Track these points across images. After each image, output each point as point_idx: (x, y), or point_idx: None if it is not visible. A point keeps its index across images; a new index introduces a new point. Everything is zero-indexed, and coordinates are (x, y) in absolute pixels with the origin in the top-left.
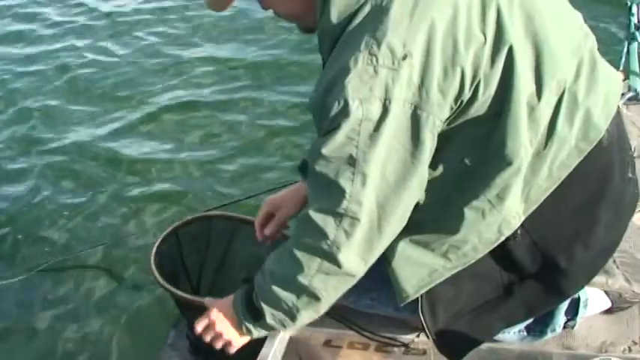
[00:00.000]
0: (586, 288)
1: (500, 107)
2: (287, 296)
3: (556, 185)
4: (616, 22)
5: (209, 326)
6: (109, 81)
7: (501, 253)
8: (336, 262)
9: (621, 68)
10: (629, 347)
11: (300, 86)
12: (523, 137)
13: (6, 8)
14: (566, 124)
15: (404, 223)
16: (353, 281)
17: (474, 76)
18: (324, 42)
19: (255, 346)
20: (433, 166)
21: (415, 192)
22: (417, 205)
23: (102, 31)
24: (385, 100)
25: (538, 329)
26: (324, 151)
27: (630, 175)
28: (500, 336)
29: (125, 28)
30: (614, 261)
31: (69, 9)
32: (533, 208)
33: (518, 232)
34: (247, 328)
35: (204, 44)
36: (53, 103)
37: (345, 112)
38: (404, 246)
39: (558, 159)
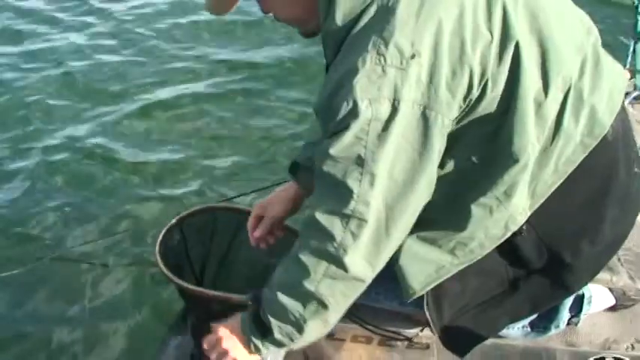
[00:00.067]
0: (590, 285)
1: (507, 104)
2: (293, 305)
3: (562, 180)
4: (621, 22)
5: (216, 344)
6: (107, 78)
7: (507, 249)
8: (342, 265)
9: (627, 67)
10: (632, 345)
11: (299, 85)
12: (530, 134)
13: (4, 4)
14: (572, 120)
15: (411, 226)
16: (361, 288)
17: (482, 75)
18: (329, 45)
19: None
20: (440, 164)
21: (424, 193)
22: None
23: (101, 28)
24: (394, 99)
25: (542, 325)
26: (332, 151)
27: (636, 170)
28: (504, 332)
29: (125, 26)
30: (619, 259)
31: (68, 6)
32: (539, 203)
33: (524, 227)
34: (255, 345)
35: (204, 42)
36: (51, 99)
37: (354, 112)
38: (411, 243)
39: (564, 155)
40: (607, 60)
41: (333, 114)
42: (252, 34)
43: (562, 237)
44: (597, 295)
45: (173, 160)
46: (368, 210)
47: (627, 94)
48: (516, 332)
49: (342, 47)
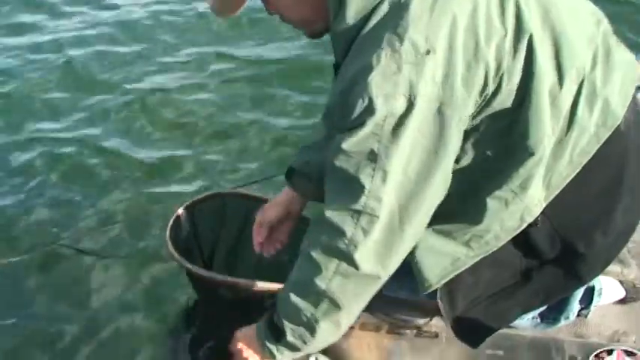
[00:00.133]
0: (601, 277)
1: (522, 98)
2: (305, 305)
3: (577, 171)
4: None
5: (233, 354)
6: (109, 70)
7: (521, 240)
8: (353, 262)
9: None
10: None
11: (305, 80)
12: (546, 126)
13: None
14: (586, 111)
15: (425, 224)
16: (374, 287)
17: (498, 69)
18: (339, 43)
19: None
20: (455, 158)
21: (439, 190)
22: None
23: (104, 20)
24: (410, 95)
25: (552, 317)
26: (345, 146)
27: None
28: (514, 322)
29: (130, 17)
30: (629, 251)
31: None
32: (555, 194)
33: (539, 218)
34: (270, 350)
35: (210, 34)
36: (52, 91)
37: (369, 109)
38: (426, 235)
39: (579, 146)
40: (618, 50)
41: (347, 111)
42: (260, 27)
43: (576, 227)
44: (607, 287)
45: (176, 151)
46: (380, 206)
47: (638, 87)
48: (526, 323)
49: (354, 45)
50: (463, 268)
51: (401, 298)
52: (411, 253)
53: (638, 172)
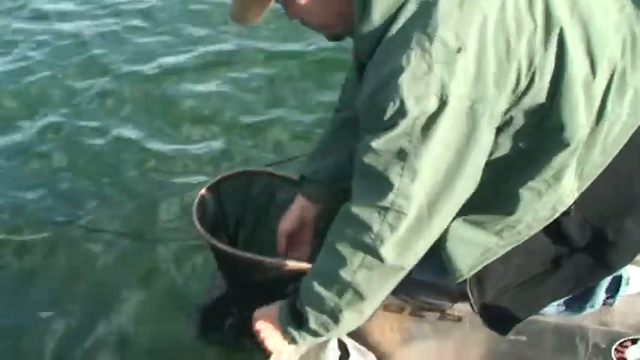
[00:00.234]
0: (628, 267)
1: (555, 91)
2: (329, 295)
3: (609, 161)
4: None
5: (254, 333)
6: (128, 59)
7: (552, 228)
8: (378, 256)
9: None
10: None
11: (326, 76)
12: (581, 117)
13: None
14: (617, 100)
15: (453, 216)
16: (398, 278)
17: (530, 65)
18: (364, 45)
19: None
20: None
21: (469, 185)
22: None
23: (126, 9)
24: (442, 95)
25: (577, 305)
26: (375, 145)
27: None
28: None
29: (151, 6)
30: None
31: None
32: (587, 184)
33: (572, 207)
34: (292, 336)
35: (234, 29)
36: (70, 79)
37: (401, 111)
38: (457, 226)
39: (611, 135)
40: None
41: (377, 114)
42: (284, 21)
43: (606, 215)
44: (635, 276)
45: (195, 140)
46: (408, 204)
47: None
48: (551, 310)
49: (380, 46)
50: (494, 258)
51: (426, 281)
52: (442, 244)
53: None
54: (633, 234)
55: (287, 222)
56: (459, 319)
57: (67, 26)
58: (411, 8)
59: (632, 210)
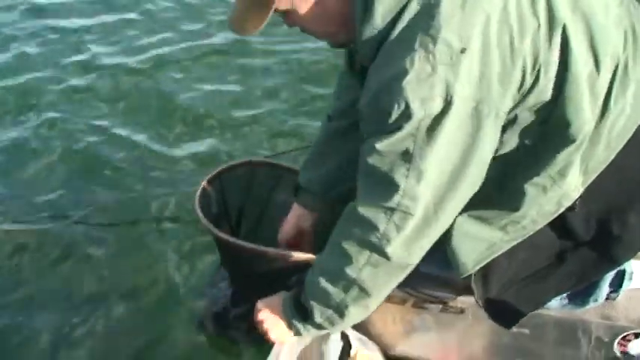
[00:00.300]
0: (632, 261)
1: (560, 88)
2: (335, 291)
3: (614, 155)
4: None
5: (257, 323)
6: (133, 55)
7: (557, 223)
8: (385, 254)
9: None
10: None
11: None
12: (587, 114)
13: None
14: (621, 94)
15: (457, 212)
16: (403, 274)
17: (534, 64)
18: (366, 49)
19: None
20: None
21: (475, 183)
22: None
23: (128, 7)
24: (447, 96)
25: (580, 299)
26: (379, 146)
27: None
28: None
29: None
30: None
31: None
32: (592, 179)
33: (577, 202)
34: (296, 328)
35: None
36: (72, 74)
37: (406, 114)
38: (462, 222)
39: (615, 130)
40: None
41: (382, 117)
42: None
43: (611, 209)
44: (638, 271)
45: (191, 131)
46: (415, 205)
47: None
48: (553, 303)
49: (383, 49)
50: (499, 253)
51: (430, 273)
52: (447, 240)
53: None
54: (637, 228)
55: (284, 233)
56: (462, 311)
57: (62, 21)
58: (412, 10)
59: (636, 204)
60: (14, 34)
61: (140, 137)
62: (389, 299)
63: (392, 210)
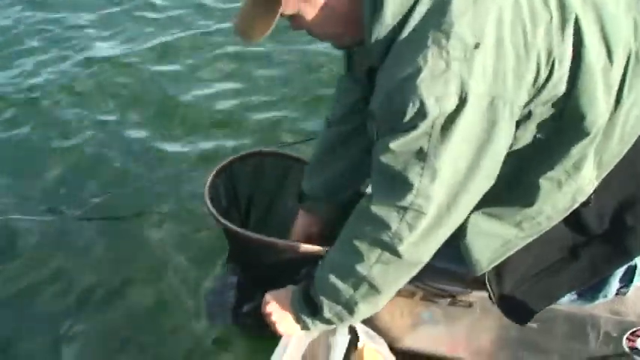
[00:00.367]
0: None
1: (574, 80)
2: (345, 287)
3: (627, 148)
4: None
5: (265, 316)
6: (140, 55)
7: (571, 219)
8: (396, 253)
9: None
10: None
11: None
12: (601, 106)
13: None
14: (634, 84)
15: (470, 209)
16: (414, 271)
17: (549, 56)
18: (375, 49)
19: None
20: None
21: (489, 179)
22: None
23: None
24: (462, 93)
25: (589, 294)
26: (393, 145)
27: None
28: None
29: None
30: None
31: None
32: (606, 172)
33: (591, 197)
34: (305, 323)
35: None
36: (75, 69)
37: (421, 112)
38: (476, 219)
39: (629, 122)
40: None
41: (396, 116)
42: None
43: (625, 202)
44: None
45: (197, 126)
46: (428, 204)
47: None
48: (563, 298)
49: (393, 48)
50: (514, 250)
51: (439, 267)
52: (461, 237)
53: None
54: None
55: (295, 239)
56: (470, 305)
57: (65, 15)
58: (423, 8)
59: None
60: (16, 28)
61: (142, 132)
62: (397, 292)
63: (405, 209)
